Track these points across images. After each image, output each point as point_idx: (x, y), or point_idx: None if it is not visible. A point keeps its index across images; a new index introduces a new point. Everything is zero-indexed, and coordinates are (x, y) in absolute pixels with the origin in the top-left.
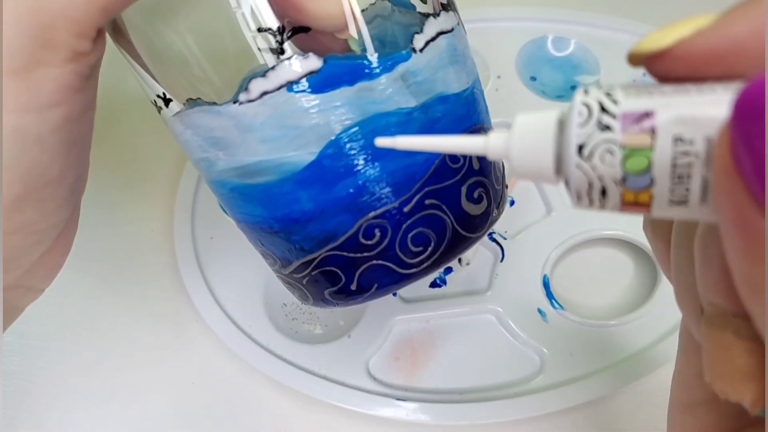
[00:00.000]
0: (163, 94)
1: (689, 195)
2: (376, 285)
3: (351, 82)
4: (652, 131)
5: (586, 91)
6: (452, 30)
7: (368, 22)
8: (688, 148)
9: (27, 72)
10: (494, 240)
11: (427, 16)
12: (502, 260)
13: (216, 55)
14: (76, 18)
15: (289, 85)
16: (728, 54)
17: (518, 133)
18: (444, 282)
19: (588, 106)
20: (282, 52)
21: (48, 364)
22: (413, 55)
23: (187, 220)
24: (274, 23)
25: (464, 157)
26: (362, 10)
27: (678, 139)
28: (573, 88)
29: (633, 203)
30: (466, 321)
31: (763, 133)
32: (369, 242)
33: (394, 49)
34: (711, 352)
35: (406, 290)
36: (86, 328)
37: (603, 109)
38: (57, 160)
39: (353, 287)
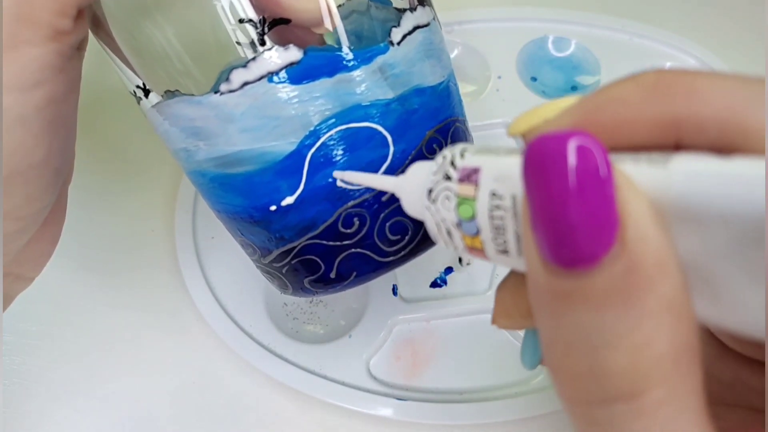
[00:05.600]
0: (143, 85)
1: (507, 245)
2: (355, 273)
3: (330, 74)
4: (476, 184)
5: (453, 146)
6: (428, 24)
7: (345, 17)
8: (500, 202)
9: (10, 51)
10: None
11: (403, 11)
12: None
13: (195, 48)
14: None
15: (270, 76)
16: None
17: (408, 177)
18: (445, 282)
19: (444, 158)
20: (263, 43)
21: (48, 363)
22: (391, 48)
23: (189, 220)
24: (254, 15)
25: (439, 148)
26: (339, 6)
27: (493, 194)
28: (573, 88)
29: (472, 248)
30: (467, 321)
31: (547, 182)
32: (348, 231)
33: (371, 44)
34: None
35: (407, 290)
36: (87, 327)
37: (451, 163)
38: (41, 143)
39: (333, 275)
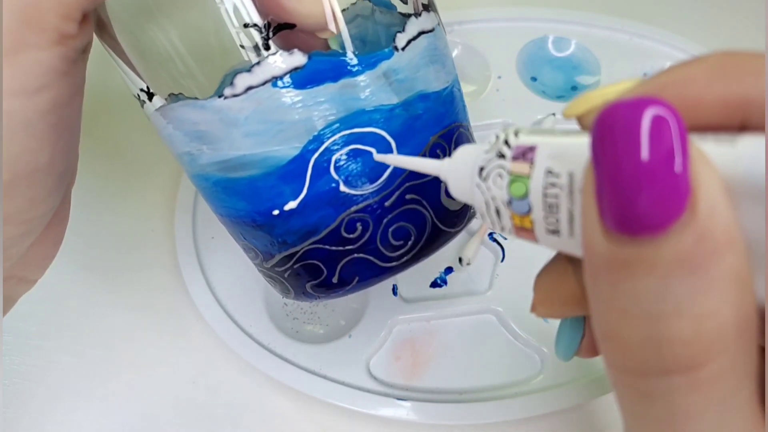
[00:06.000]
0: (147, 88)
1: (559, 225)
2: (357, 278)
3: (335, 79)
4: (531, 162)
5: (507, 127)
6: (433, 30)
7: (349, 21)
8: (555, 180)
9: (14, 54)
10: (495, 240)
11: (407, 16)
12: (502, 260)
13: (199, 51)
14: (62, 0)
15: (274, 81)
16: None
17: (455, 158)
18: (445, 282)
19: (497, 138)
20: (268, 47)
21: (48, 363)
22: (395, 53)
23: (189, 220)
24: (259, 20)
25: (443, 154)
26: (343, 10)
27: (549, 172)
28: (573, 88)
29: (521, 228)
30: (467, 321)
31: (617, 149)
32: (351, 236)
33: (375, 47)
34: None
35: (407, 290)
36: (87, 327)
37: (505, 142)
38: (46, 147)
39: (335, 280)
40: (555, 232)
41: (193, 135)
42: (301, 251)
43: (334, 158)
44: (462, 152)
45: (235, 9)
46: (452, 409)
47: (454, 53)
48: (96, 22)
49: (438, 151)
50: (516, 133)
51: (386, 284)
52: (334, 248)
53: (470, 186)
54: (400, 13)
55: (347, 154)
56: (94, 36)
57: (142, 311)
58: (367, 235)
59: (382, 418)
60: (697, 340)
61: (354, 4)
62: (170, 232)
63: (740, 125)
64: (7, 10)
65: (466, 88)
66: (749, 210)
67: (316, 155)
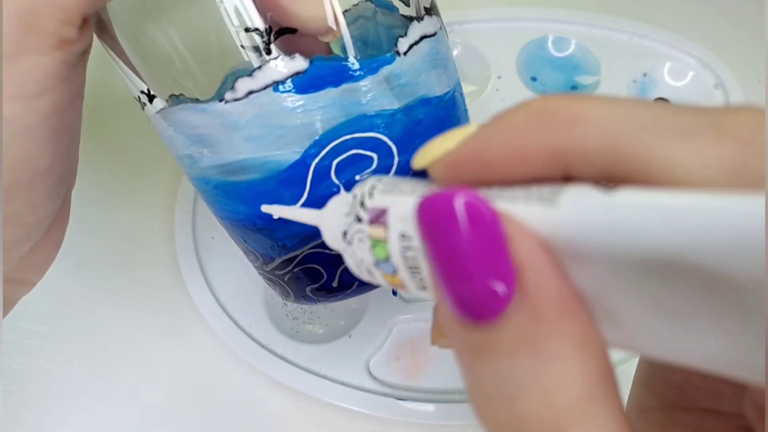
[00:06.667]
0: (147, 90)
1: (424, 283)
2: (357, 282)
3: (336, 84)
4: (386, 226)
5: (364, 183)
6: (435, 34)
7: (351, 23)
8: (409, 243)
9: (14, 59)
10: None
11: (409, 19)
12: None
13: (200, 51)
14: (62, 4)
15: (275, 85)
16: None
17: (327, 211)
18: None
19: (355, 198)
20: (269, 52)
21: (48, 363)
22: (397, 58)
23: (188, 220)
24: (261, 24)
25: None
26: (345, 11)
27: (402, 235)
28: (573, 88)
29: (393, 284)
30: None
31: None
32: None
33: (377, 49)
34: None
35: None
36: (86, 327)
37: (362, 203)
38: (45, 151)
39: (335, 284)
40: (423, 287)
41: (194, 138)
42: (301, 255)
43: (334, 163)
44: (332, 205)
45: (236, 10)
46: (452, 409)
47: (454, 53)
48: (96, 22)
49: None
50: (371, 193)
51: None
52: (334, 252)
53: (340, 249)
54: (402, 16)
55: (348, 159)
56: (95, 37)
57: (142, 311)
58: None
59: (381, 418)
60: (550, 416)
61: (356, 5)
62: (170, 232)
63: (564, 175)
64: (6, 14)
65: (466, 88)
66: (581, 266)
67: (316, 160)
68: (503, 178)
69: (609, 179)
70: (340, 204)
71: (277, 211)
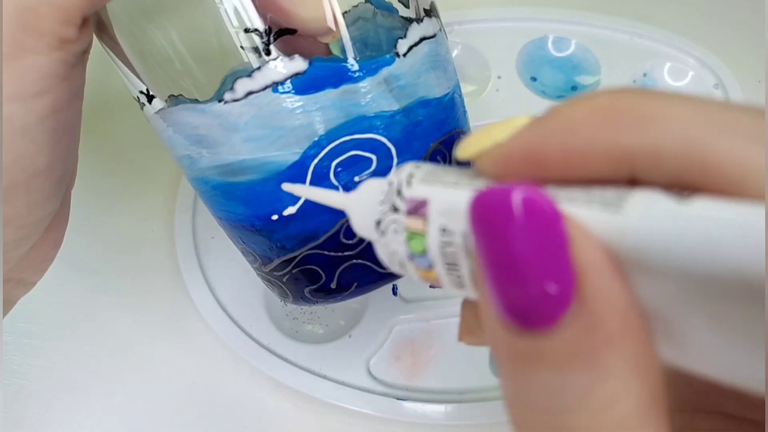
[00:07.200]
0: (147, 90)
1: (463, 280)
2: (356, 284)
3: (335, 85)
4: (425, 218)
5: (401, 169)
6: (434, 36)
7: (351, 24)
8: (450, 239)
9: (13, 59)
10: None
11: (409, 20)
12: None
13: (199, 51)
14: (62, 4)
15: (275, 86)
16: (509, 165)
17: (359, 194)
18: None
19: (391, 185)
20: (268, 53)
21: (48, 363)
22: (397, 59)
23: (188, 220)
24: (260, 24)
25: (443, 160)
26: (345, 12)
27: (443, 230)
28: (573, 88)
29: (427, 279)
30: None
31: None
32: (350, 242)
33: (376, 50)
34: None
35: (407, 290)
36: (86, 327)
37: (398, 192)
38: (44, 151)
39: (333, 286)
40: (461, 285)
41: (193, 139)
42: (300, 256)
43: (333, 164)
44: (365, 189)
45: (236, 11)
46: (452, 409)
47: (454, 53)
48: (96, 22)
49: (438, 157)
50: (409, 181)
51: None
52: (332, 254)
53: (372, 230)
54: (402, 17)
55: (347, 160)
56: (94, 37)
57: (142, 311)
58: (366, 241)
59: (381, 418)
60: None
61: (356, 6)
62: (170, 232)
63: (629, 178)
64: (5, 14)
65: (466, 88)
66: (645, 279)
67: (315, 161)
68: (559, 177)
69: (679, 185)
70: (372, 190)
71: (299, 190)
